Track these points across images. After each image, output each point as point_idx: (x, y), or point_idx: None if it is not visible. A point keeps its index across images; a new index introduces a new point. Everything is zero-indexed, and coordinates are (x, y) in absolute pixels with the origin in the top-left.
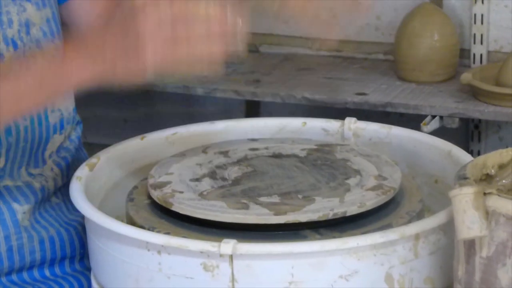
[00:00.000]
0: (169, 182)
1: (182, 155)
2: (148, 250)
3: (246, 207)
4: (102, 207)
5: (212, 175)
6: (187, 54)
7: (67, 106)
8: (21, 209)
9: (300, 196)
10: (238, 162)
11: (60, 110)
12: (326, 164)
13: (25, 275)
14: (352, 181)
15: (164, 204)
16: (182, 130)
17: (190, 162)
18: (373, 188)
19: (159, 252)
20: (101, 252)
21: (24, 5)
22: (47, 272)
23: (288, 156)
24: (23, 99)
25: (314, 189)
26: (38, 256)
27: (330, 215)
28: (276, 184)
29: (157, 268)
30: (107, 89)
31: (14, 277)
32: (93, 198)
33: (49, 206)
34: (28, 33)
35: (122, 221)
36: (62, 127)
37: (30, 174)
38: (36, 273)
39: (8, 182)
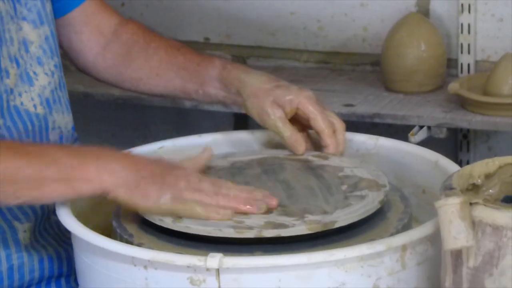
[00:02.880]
0: None
1: None
2: (135, 265)
3: (233, 220)
4: (89, 223)
5: None
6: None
7: (67, 123)
8: (22, 227)
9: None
10: (231, 173)
11: (60, 128)
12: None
13: None
14: (345, 188)
15: (152, 220)
16: (168, 144)
17: None
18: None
19: (145, 267)
20: (88, 268)
21: (21, 24)
22: None
23: (275, 165)
24: (45, 186)
25: (305, 198)
26: (36, 274)
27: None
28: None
29: (144, 283)
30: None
31: None
32: (80, 213)
33: (48, 224)
34: (27, 51)
35: (109, 236)
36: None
37: None
38: None
39: None
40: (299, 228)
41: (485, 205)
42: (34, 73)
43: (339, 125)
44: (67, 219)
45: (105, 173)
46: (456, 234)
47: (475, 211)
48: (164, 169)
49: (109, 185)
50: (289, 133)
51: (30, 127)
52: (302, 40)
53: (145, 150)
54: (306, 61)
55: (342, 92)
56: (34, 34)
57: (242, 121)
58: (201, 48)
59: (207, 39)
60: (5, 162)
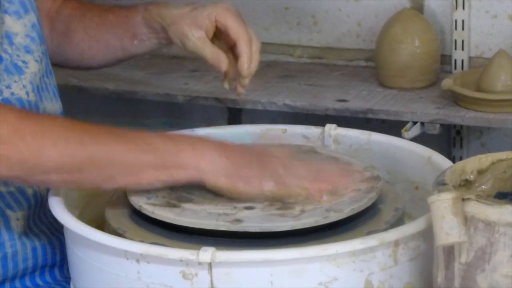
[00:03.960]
0: (152, 193)
1: None
2: (127, 258)
3: (226, 213)
4: (82, 215)
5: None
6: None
7: (55, 110)
8: (15, 215)
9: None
10: None
11: (51, 113)
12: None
13: (17, 283)
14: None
15: (145, 212)
16: None
17: None
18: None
19: (137, 260)
20: (80, 261)
21: (3, 17)
22: (38, 280)
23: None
24: (143, 173)
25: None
26: (30, 263)
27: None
28: None
29: (136, 277)
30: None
31: (7, 285)
32: (73, 206)
33: (43, 212)
34: (11, 43)
35: (102, 229)
36: None
37: None
38: (28, 281)
39: (1, 188)
40: (290, 224)
41: (477, 201)
42: (23, 62)
43: (255, 38)
44: (60, 212)
45: (202, 161)
46: (449, 230)
47: (468, 207)
48: (260, 155)
49: (208, 173)
50: (210, 52)
51: None
52: (296, 35)
53: None
54: (299, 56)
55: (335, 88)
56: (19, 25)
57: (235, 116)
58: None
59: None
60: (104, 146)
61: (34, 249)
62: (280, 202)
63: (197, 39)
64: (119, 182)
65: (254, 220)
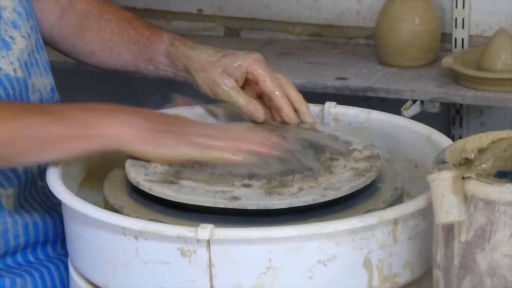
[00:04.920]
0: (148, 165)
1: None
2: (125, 235)
3: (224, 191)
4: (80, 192)
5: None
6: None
7: (45, 86)
8: (5, 192)
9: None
10: None
11: (40, 91)
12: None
13: (9, 260)
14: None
15: (142, 188)
16: None
17: None
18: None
19: (135, 237)
20: (78, 238)
21: None
22: (30, 257)
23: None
24: (66, 143)
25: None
26: (22, 240)
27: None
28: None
29: (134, 254)
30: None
31: None
32: (71, 182)
33: (34, 189)
34: (0, 17)
35: (100, 206)
36: None
37: None
38: (19, 257)
39: None
40: (287, 201)
41: (477, 180)
42: (11, 37)
43: (289, 85)
44: (58, 188)
45: (120, 128)
46: (448, 208)
47: (468, 185)
48: (176, 120)
49: (126, 139)
50: (245, 101)
51: (11, 92)
52: (296, 13)
53: None
54: (299, 34)
55: (335, 66)
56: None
57: None
58: (193, 19)
59: (200, 10)
60: (28, 119)
61: (25, 226)
62: (278, 180)
63: (230, 88)
64: (46, 155)
65: (251, 197)
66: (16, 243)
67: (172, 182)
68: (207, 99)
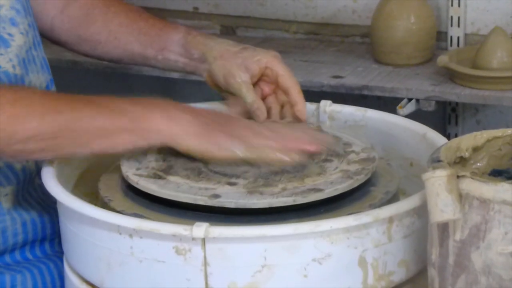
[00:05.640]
0: (143, 159)
1: None
2: (120, 233)
3: (207, 188)
4: (76, 190)
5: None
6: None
7: (41, 83)
8: (4, 191)
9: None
10: None
11: (36, 88)
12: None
13: (7, 257)
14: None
15: (130, 182)
16: None
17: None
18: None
19: (130, 235)
20: (73, 236)
21: None
22: (28, 254)
23: None
24: (116, 136)
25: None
26: (20, 238)
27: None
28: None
29: (129, 252)
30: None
31: None
32: (67, 180)
33: (32, 187)
34: None
35: (95, 204)
36: None
37: None
38: (18, 255)
39: None
40: (267, 201)
41: (472, 178)
42: (9, 34)
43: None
44: (52, 186)
45: (175, 125)
46: (443, 207)
47: (463, 184)
48: (226, 119)
49: (180, 135)
50: (251, 99)
51: None
52: (292, 11)
53: None
54: (295, 32)
55: (331, 64)
56: None
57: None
58: (189, 17)
59: (196, 8)
60: (79, 112)
61: (24, 224)
62: (263, 178)
63: (243, 82)
64: (94, 147)
65: (231, 196)
66: (15, 241)
67: (160, 178)
68: (208, 99)
